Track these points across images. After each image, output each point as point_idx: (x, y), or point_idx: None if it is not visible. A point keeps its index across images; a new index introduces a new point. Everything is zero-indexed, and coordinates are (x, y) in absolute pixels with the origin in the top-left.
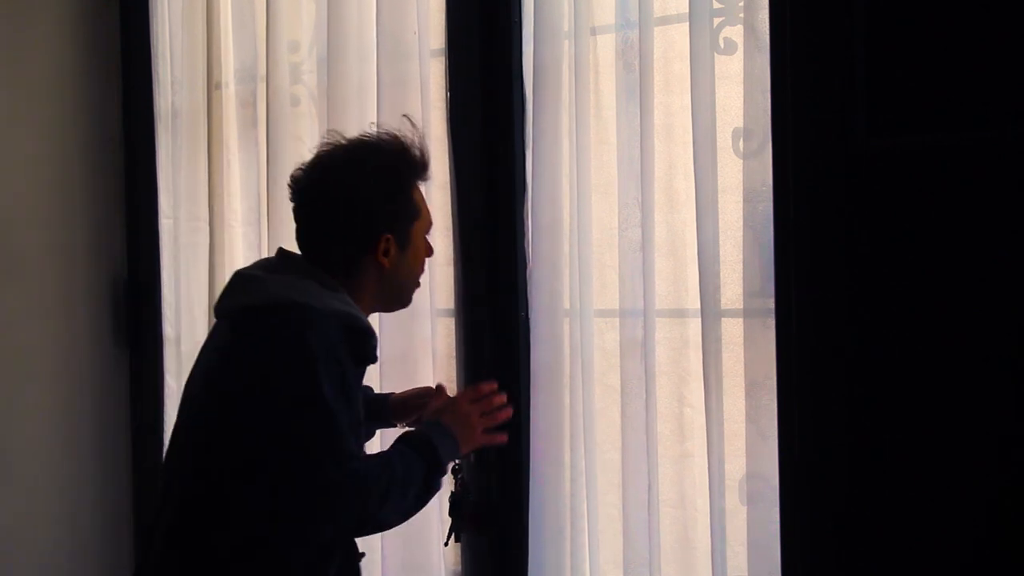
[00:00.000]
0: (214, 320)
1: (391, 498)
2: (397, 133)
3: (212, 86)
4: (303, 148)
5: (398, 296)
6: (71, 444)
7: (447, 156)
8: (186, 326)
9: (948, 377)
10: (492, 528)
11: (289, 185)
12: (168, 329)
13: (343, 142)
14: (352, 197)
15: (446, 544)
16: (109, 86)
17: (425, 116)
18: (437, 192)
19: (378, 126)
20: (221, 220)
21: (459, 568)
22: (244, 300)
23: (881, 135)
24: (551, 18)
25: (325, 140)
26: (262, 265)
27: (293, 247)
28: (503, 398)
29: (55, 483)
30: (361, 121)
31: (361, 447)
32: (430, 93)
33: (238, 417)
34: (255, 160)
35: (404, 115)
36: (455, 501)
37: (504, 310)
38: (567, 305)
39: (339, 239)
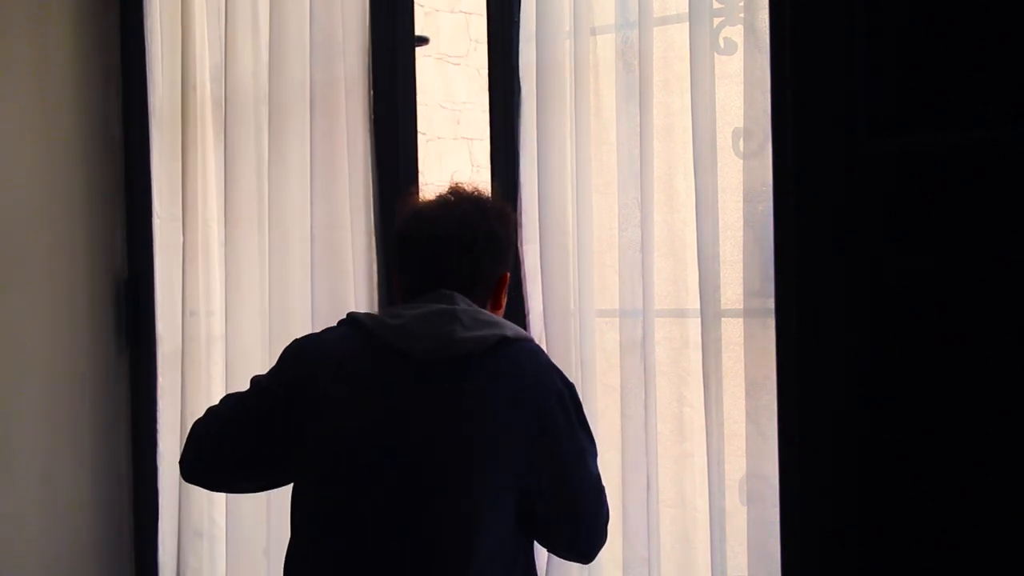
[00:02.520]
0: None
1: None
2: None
3: (196, 85)
4: (263, 149)
5: None
6: (71, 444)
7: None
8: (181, 326)
9: (948, 377)
10: None
11: (443, 217)
12: (161, 329)
13: (464, 194)
14: (500, 238)
15: None
16: (109, 86)
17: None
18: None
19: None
20: (194, 220)
21: None
22: (486, 332)
23: (881, 135)
24: (551, 18)
25: (457, 184)
26: (445, 298)
27: (251, 248)
28: None
29: (55, 483)
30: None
31: None
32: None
33: (517, 439)
34: (224, 160)
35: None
36: None
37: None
38: (567, 305)
39: (490, 268)
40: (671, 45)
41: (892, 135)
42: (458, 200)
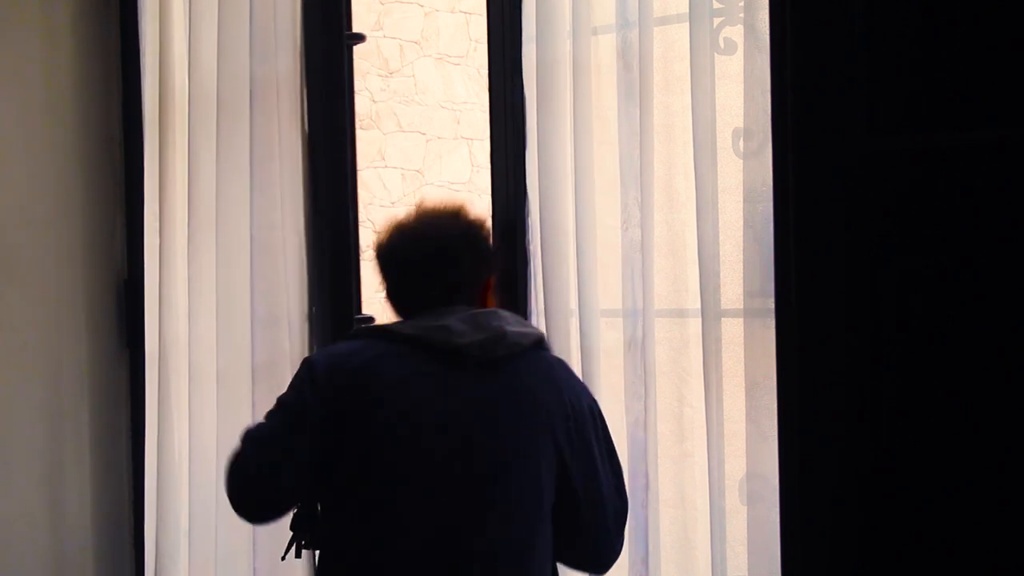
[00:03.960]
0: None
1: None
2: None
3: (176, 86)
4: (249, 150)
5: None
6: (71, 444)
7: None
8: (174, 329)
9: (948, 377)
10: None
11: (430, 232)
12: (153, 331)
13: (454, 203)
14: (487, 241)
15: None
16: (109, 86)
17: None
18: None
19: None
20: (172, 220)
21: None
22: (525, 338)
23: (881, 135)
24: (552, 18)
25: (430, 204)
26: (484, 313)
27: (208, 247)
28: None
29: (55, 483)
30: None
31: None
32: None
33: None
34: (211, 162)
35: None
36: None
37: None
38: (567, 305)
39: (477, 277)
40: (671, 45)
41: (892, 135)
42: (436, 214)
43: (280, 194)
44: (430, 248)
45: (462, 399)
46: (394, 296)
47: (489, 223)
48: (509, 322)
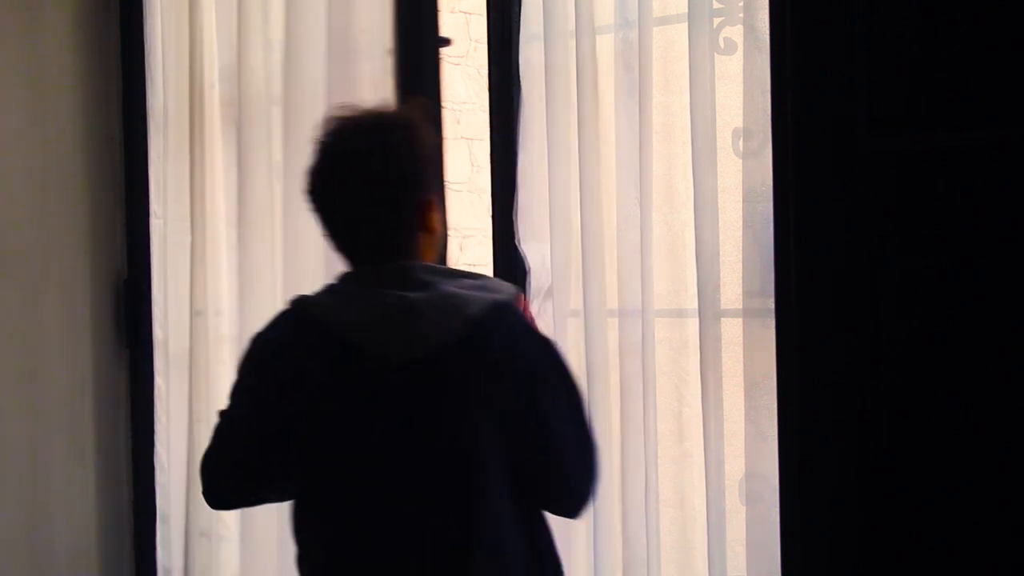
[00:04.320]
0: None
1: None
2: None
3: (204, 85)
4: (276, 148)
5: None
6: (71, 444)
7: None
8: (173, 327)
9: (948, 376)
10: None
11: (332, 155)
12: (158, 330)
13: (376, 110)
14: (412, 154)
15: None
16: (109, 86)
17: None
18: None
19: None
20: (202, 220)
21: None
22: (490, 296)
23: (882, 135)
24: (552, 18)
25: (343, 113)
26: (412, 268)
27: (264, 248)
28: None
29: (55, 482)
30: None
31: None
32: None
33: (528, 407)
34: (236, 160)
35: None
36: None
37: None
38: (567, 305)
39: (410, 212)
40: (671, 45)
41: (892, 135)
42: (355, 133)
43: None
44: (353, 196)
45: (386, 396)
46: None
47: (421, 124)
48: (427, 316)
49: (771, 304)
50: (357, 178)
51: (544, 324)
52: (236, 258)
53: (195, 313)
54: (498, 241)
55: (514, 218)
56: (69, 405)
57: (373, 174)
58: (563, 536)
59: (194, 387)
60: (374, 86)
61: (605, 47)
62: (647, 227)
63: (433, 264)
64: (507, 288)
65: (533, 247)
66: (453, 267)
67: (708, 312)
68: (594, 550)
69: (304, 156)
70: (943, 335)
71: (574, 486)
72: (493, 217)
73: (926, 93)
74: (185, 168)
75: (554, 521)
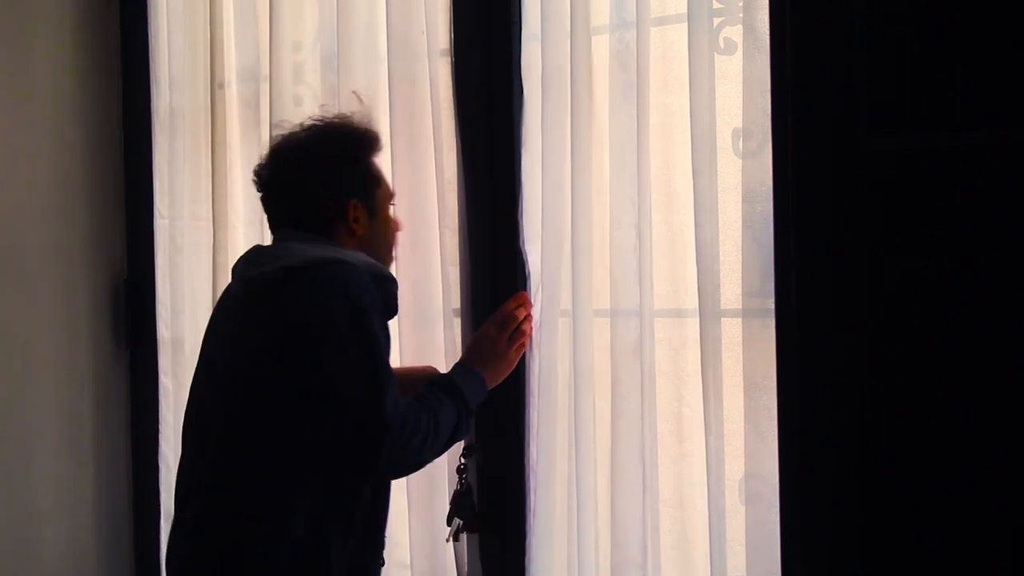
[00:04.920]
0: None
1: (429, 442)
2: (346, 113)
3: (215, 86)
4: None
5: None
6: (71, 444)
7: (455, 156)
8: (189, 326)
9: (948, 376)
10: (495, 528)
11: (254, 177)
12: (163, 330)
13: (297, 127)
14: (315, 166)
15: (448, 540)
16: (109, 86)
17: (435, 117)
18: (450, 193)
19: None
20: (224, 220)
21: (460, 568)
22: (282, 262)
23: (881, 135)
24: (551, 18)
25: (277, 131)
26: (273, 244)
27: None
28: (516, 300)
29: (55, 483)
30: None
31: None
32: (439, 93)
33: (290, 368)
34: (257, 161)
35: (353, 91)
36: (457, 502)
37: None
38: (566, 305)
39: (314, 209)
40: (670, 45)
41: (892, 135)
42: (281, 144)
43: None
44: (270, 170)
45: (221, 327)
46: None
47: (344, 138)
48: (278, 254)
49: (771, 304)
50: (266, 166)
51: (547, 325)
52: None
53: None
54: (499, 241)
55: (518, 218)
56: (67, 405)
57: (274, 177)
58: (564, 536)
59: None
60: (402, 87)
61: (604, 47)
62: (646, 227)
63: (304, 235)
64: (364, 258)
65: (534, 248)
66: (316, 242)
67: (708, 312)
68: (593, 550)
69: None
70: (943, 335)
71: None
72: (493, 217)
73: (926, 93)
74: (201, 169)
75: (555, 515)
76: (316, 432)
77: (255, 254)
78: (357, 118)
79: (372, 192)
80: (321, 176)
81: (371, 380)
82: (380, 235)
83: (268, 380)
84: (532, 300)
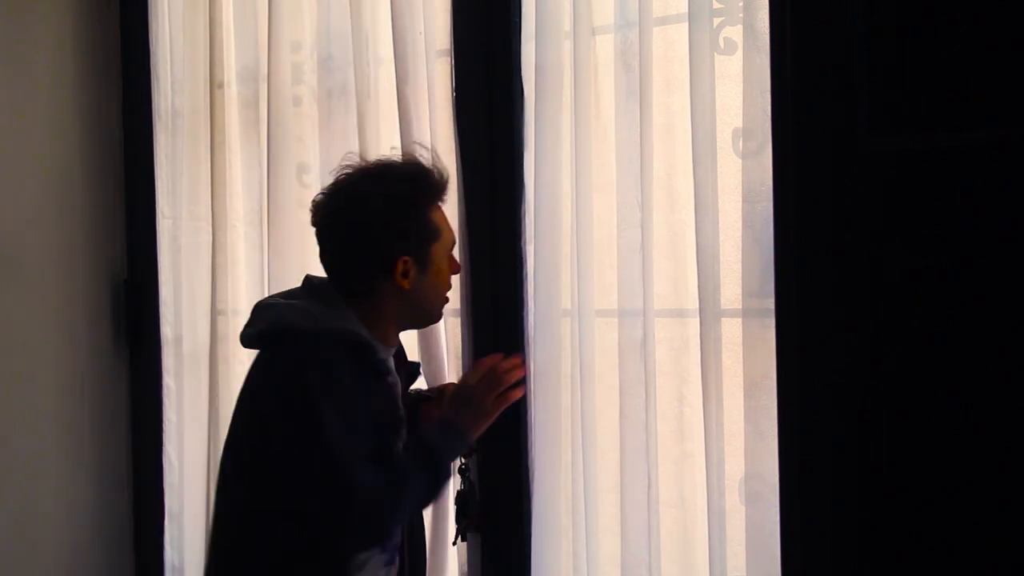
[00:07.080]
0: (218, 322)
1: (399, 510)
2: (414, 156)
3: (214, 86)
4: (304, 149)
5: (426, 314)
6: (71, 444)
7: (454, 157)
8: (187, 326)
9: (948, 376)
10: (496, 527)
11: (311, 209)
12: (167, 329)
13: (361, 166)
14: (367, 221)
15: (454, 543)
16: (109, 86)
17: (433, 116)
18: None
19: (401, 150)
20: (224, 220)
21: (461, 568)
22: (256, 327)
23: (881, 135)
24: (552, 18)
25: (345, 164)
26: (286, 292)
27: (292, 248)
28: (511, 363)
29: (55, 483)
30: (364, 122)
31: (395, 442)
32: (438, 93)
33: (259, 445)
34: (256, 160)
35: (415, 142)
36: (462, 501)
37: (507, 310)
38: (567, 305)
39: (355, 262)
40: (671, 45)
41: (892, 135)
42: (337, 185)
43: None
44: (322, 213)
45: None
46: None
47: (385, 207)
48: (261, 315)
49: (771, 304)
50: (321, 222)
51: (548, 325)
52: (258, 257)
53: (218, 312)
54: (498, 241)
55: (521, 218)
56: (67, 405)
57: (323, 222)
58: (565, 536)
59: (213, 386)
60: (405, 88)
61: (605, 47)
62: (647, 227)
63: (321, 287)
64: (333, 324)
65: (532, 247)
66: (338, 299)
67: (708, 312)
68: (588, 550)
69: (332, 157)
70: (943, 335)
71: None
72: (493, 218)
73: (926, 93)
74: (201, 168)
75: (556, 515)
76: (286, 510)
77: (256, 308)
78: (424, 163)
79: (427, 246)
80: (368, 233)
81: (330, 460)
82: (430, 288)
83: (247, 451)
84: (532, 298)
